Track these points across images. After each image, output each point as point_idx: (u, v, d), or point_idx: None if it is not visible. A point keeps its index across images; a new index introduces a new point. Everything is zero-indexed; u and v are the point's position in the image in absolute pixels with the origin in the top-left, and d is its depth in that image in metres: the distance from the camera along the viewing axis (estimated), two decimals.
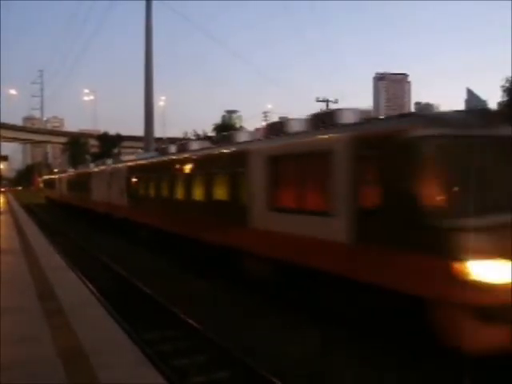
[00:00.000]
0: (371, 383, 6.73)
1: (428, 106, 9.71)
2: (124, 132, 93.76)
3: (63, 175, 47.47)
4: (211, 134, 64.66)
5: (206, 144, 17.67)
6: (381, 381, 6.74)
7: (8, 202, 46.93)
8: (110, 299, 10.26)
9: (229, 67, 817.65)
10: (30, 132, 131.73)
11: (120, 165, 25.62)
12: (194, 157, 16.35)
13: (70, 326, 6.70)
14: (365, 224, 8.28)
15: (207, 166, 14.74)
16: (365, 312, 8.32)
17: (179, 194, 16.64)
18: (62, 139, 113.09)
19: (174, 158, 18.30)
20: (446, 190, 7.46)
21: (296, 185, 10.39)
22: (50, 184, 59.15)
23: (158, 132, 65.24)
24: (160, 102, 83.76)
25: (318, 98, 45.75)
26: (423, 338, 7.12)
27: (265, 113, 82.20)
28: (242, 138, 14.23)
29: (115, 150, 76.97)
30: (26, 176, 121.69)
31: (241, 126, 72.32)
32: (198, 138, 65.92)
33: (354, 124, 9.62)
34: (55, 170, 73.11)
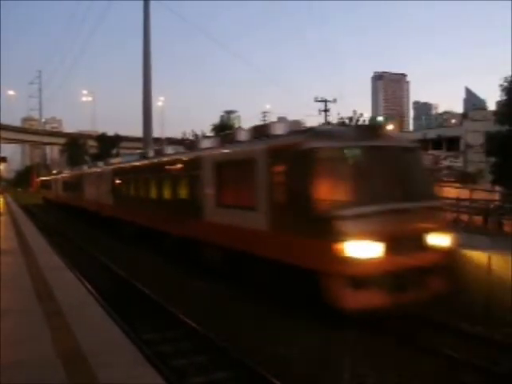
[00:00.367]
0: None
1: (324, 125, 12.25)
2: (123, 133, 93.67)
3: (58, 176, 49.31)
4: (210, 134, 64.67)
5: (179, 149, 19.23)
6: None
7: (7, 203, 46.88)
8: (108, 299, 10.39)
9: (228, 67, 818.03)
10: (28, 133, 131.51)
11: (106, 167, 28.21)
12: (164, 161, 18.76)
13: (69, 326, 6.72)
14: (277, 216, 10.70)
15: (173, 169, 17.18)
16: (283, 282, 10.60)
17: (152, 193, 19.25)
18: (61, 140, 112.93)
19: (147, 162, 21.12)
20: (330, 188, 9.61)
21: (233, 185, 13.15)
22: (46, 185, 61.60)
23: (157, 132, 65.21)
24: (158, 102, 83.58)
25: (316, 97, 45.86)
26: (320, 300, 9.37)
27: (263, 113, 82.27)
28: (204, 145, 16.35)
29: (114, 151, 76.91)
30: (24, 177, 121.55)
31: (239, 127, 72.39)
32: (197, 138, 65.97)
33: (271, 137, 12.00)
34: (54, 171, 73.19)
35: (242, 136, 13.92)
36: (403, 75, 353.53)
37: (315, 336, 8.86)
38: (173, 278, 13.95)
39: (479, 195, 25.24)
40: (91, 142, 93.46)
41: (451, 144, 69.75)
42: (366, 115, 70.15)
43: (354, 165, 9.96)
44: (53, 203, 50.92)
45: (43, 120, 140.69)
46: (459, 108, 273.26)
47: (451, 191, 30.18)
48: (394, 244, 9.15)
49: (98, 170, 29.93)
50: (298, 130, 11.81)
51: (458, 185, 40.03)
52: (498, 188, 32.43)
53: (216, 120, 72.42)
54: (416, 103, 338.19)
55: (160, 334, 8.91)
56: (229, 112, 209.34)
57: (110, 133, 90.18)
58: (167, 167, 17.94)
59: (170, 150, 20.25)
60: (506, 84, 32.13)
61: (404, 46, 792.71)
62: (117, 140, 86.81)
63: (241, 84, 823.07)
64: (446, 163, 63.23)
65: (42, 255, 13.23)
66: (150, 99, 39.30)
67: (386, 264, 9.09)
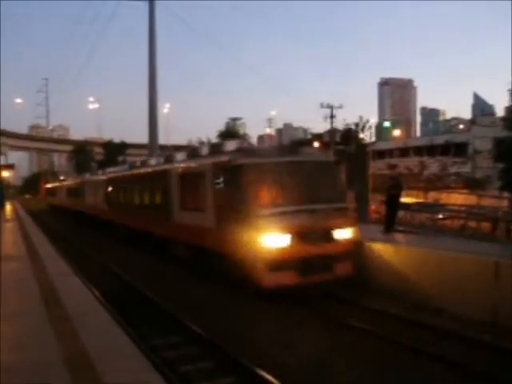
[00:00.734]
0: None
1: (250, 144, 16.97)
2: (129, 140, 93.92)
3: (62, 184, 53.96)
4: (216, 140, 64.80)
5: (161, 161, 21.89)
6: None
7: (15, 210, 47.07)
8: (115, 304, 10.44)
9: (234, 74, 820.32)
10: (35, 140, 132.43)
11: (101, 176, 31.68)
12: (144, 172, 22.31)
13: (75, 331, 6.69)
14: (219, 216, 13.50)
15: (151, 179, 20.64)
16: (225, 269, 13.07)
17: (136, 199, 22.40)
18: (68, 147, 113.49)
19: (132, 172, 24.76)
20: (254, 194, 12.41)
21: (191, 193, 15.97)
22: (51, 192, 65.37)
23: (163, 139, 65.40)
24: (164, 109, 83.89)
25: (322, 103, 45.89)
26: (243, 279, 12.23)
27: (269, 120, 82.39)
28: (176, 158, 19.19)
29: (120, 158, 77.08)
30: (32, 184, 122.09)
31: (244, 133, 72.50)
32: (202, 145, 66.06)
33: (218, 155, 14.87)
34: (61, 178, 73.52)
35: (203, 152, 16.91)
36: (410, 80, 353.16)
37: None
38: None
39: (487, 202, 25.14)
40: (98, 149, 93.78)
41: (459, 150, 69.59)
42: (373, 121, 70.20)
43: (272, 176, 12.88)
44: (57, 209, 53.93)
45: (50, 127, 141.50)
46: (467, 114, 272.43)
47: (459, 197, 30.12)
48: (303, 236, 11.97)
49: (96, 178, 33.47)
50: (235, 149, 14.72)
51: (465, 191, 39.90)
52: (506, 194, 32.28)
53: (222, 126, 72.63)
54: (423, 109, 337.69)
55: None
56: (234, 119, 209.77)
57: (117, 140, 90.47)
58: (146, 177, 21.41)
59: (152, 161, 23.29)
60: None
61: (411, 51, 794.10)
62: (123, 147, 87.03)
63: (247, 90, 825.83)
64: (453, 169, 63.10)
65: (49, 261, 13.24)
66: (155, 106, 39.41)
67: (295, 252, 11.85)
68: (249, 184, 12.56)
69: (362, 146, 48.78)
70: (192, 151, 18.56)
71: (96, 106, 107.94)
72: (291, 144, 17.94)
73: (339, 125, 50.79)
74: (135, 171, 24.09)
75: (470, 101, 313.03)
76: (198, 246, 14.76)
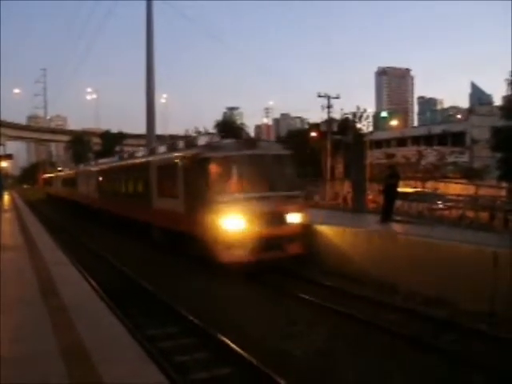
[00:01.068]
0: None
1: (214, 138, 18.79)
2: (127, 130, 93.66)
3: (58, 174, 56.61)
4: (212, 130, 64.60)
5: (146, 153, 23.96)
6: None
7: (13, 200, 47.01)
8: (111, 294, 10.58)
9: (231, 63, 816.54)
10: (33, 131, 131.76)
11: (92, 167, 33.65)
12: (128, 163, 24.32)
13: (72, 322, 6.69)
14: (188, 202, 15.61)
15: (134, 169, 22.53)
16: (193, 248, 15.21)
17: (122, 188, 24.33)
18: (66, 137, 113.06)
19: (118, 163, 26.64)
20: (217, 183, 14.43)
21: (166, 181, 18.01)
22: (49, 182, 68.40)
23: (161, 129, 65.15)
24: (162, 99, 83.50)
25: (319, 93, 45.71)
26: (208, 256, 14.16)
27: (266, 109, 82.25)
28: (158, 151, 21.06)
29: (117, 148, 76.89)
30: (30, 174, 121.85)
31: (241, 123, 72.27)
32: (199, 134, 65.90)
33: (189, 148, 17.17)
34: (59, 168, 73.48)
35: (180, 146, 18.69)
36: (407, 70, 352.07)
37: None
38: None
39: (485, 191, 25.08)
40: (95, 140, 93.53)
41: (457, 139, 69.49)
42: (370, 110, 70.03)
43: (232, 167, 14.99)
44: (54, 198, 56.13)
45: (48, 117, 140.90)
46: (465, 103, 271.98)
47: (456, 187, 30.07)
48: (257, 220, 13.90)
49: (87, 169, 35.33)
50: (204, 144, 16.66)
51: (463, 181, 39.87)
52: (504, 184, 32.24)
53: (219, 116, 72.43)
54: (421, 98, 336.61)
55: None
56: (231, 108, 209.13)
57: (114, 130, 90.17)
58: (131, 168, 23.25)
59: (139, 153, 25.45)
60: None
61: (408, 41, 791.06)
62: (120, 137, 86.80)
63: (244, 80, 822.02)
64: (451, 159, 62.99)
65: (47, 250, 13.26)
66: (153, 97, 39.18)
67: (249, 233, 13.74)
68: (212, 174, 14.66)
69: (359, 135, 48.75)
70: (171, 145, 20.41)
71: (94, 96, 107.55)
72: (251, 139, 19.63)
73: (337, 115, 50.66)
74: (122, 163, 26.13)
75: (468, 90, 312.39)
76: (173, 230, 16.73)
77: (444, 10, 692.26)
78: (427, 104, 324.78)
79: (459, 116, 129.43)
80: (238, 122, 74.75)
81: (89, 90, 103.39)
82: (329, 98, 45.31)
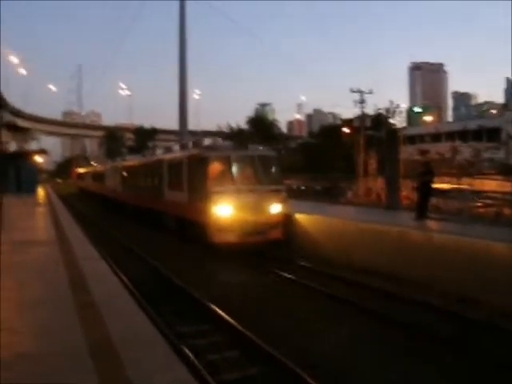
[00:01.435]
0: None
1: (215, 141, 26.50)
2: (159, 125, 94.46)
3: (89, 169, 61.87)
4: (244, 126, 64.55)
5: (161, 152, 27.66)
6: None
7: (47, 194, 47.79)
8: (142, 290, 10.97)
9: (263, 58, 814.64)
10: (68, 126, 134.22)
11: (118, 164, 37.35)
12: (146, 161, 28.92)
13: (101, 318, 6.62)
14: (191, 193, 18.95)
15: (151, 166, 26.46)
16: (195, 231, 18.50)
17: (140, 183, 28.12)
18: (100, 133, 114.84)
19: (139, 160, 31.10)
20: (212, 178, 17.61)
21: (175, 176, 21.33)
22: (80, 176, 72.80)
23: (193, 125, 65.38)
24: (194, 95, 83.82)
25: (352, 88, 45.15)
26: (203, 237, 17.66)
27: (299, 105, 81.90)
28: (173, 150, 25.25)
29: (150, 144, 77.55)
30: (64, 168, 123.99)
31: (273, 119, 72.05)
32: (232, 131, 65.98)
33: (191, 149, 21.11)
34: (92, 163, 74.59)
35: (189, 146, 22.15)
36: (441, 65, 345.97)
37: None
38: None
39: None
40: (129, 135, 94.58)
41: (492, 135, 67.76)
42: (404, 106, 68.95)
43: (225, 165, 18.03)
44: (85, 192, 60.19)
45: (83, 113, 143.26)
46: (500, 98, 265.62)
47: (492, 184, 29.29)
48: (243, 208, 16.99)
49: (114, 165, 38.86)
50: (205, 146, 20.93)
51: (499, 177, 38.81)
52: None
53: (251, 112, 72.33)
54: (455, 93, 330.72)
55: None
56: (263, 104, 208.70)
57: (147, 125, 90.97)
58: (148, 165, 27.24)
59: (158, 151, 28.94)
60: None
61: (442, 35, 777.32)
62: (153, 133, 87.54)
63: (276, 75, 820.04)
64: (487, 155, 61.46)
65: (78, 245, 13.29)
66: (186, 93, 39.44)
67: (236, 219, 16.88)
68: (208, 170, 17.83)
69: (392, 131, 47.97)
70: (182, 145, 24.52)
71: (127, 92, 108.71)
72: (243, 142, 23.19)
73: (370, 110, 50.00)
74: (140, 160, 30.49)
75: (503, 85, 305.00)
76: (180, 217, 20.29)
77: (478, 5, 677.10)
78: (461, 99, 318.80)
79: (494, 111, 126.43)
80: (270, 117, 74.57)
81: (122, 85, 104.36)
82: (362, 93, 44.72)
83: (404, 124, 58.20)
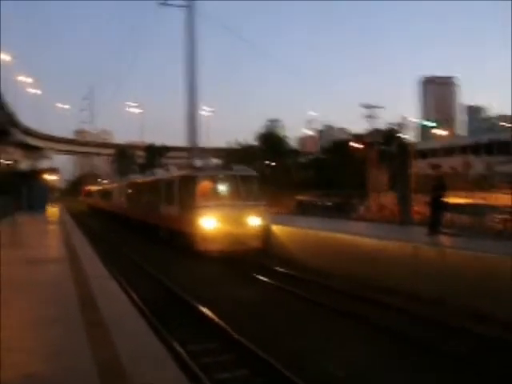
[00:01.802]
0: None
1: (208, 162, 30.64)
2: (171, 142, 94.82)
3: (97, 187, 65.29)
4: (253, 143, 64.67)
5: (162, 172, 30.91)
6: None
7: (59, 212, 48.04)
8: (151, 308, 10.96)
9: (272, 74, 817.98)
10: (80, 145, 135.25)
11: (123, 182, 41.10)
12: (144, 180, 32.42)
13: (110, 337, 6.51)
14: (182, 207, 21.45)
15: (149, 185, 29.74)
16: (184, 241, 20.89)
17: (141, 199, 31.40)
18: (111, 151, 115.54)
19: (139, 180, 34.62)
20: (200, 194, 20.19)
21: (169, 193, 24.08)
22: (90, 194, 75.59)
23: (203, 142, 65.58)
24: (204, 112, 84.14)
25: (362, 103, 45.18)
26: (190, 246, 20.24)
27: (309, 121, 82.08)
28: (172, 171, 27.72)
29: (161, 161, 77.82)
30: (75, 186, 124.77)
31: (283, 135, 72.10)
32: (242, 147, 66.12)
33: (186, 170, 24.74)
34: (103, 181, 74.98)
35: (184, 167, 26.62)
36: (452, 78, 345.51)
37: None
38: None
39: None
40: (140, 153, 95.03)
41: (504, 148, 67.15)
42: (414, 120, 68.66)
43: (211, 183, 20.92)
44: (93, 209, 63.11)
45: (94, 132, 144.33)
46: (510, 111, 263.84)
47: (505, 198, 28.96)
48: (225, 221, 19.41)
49: (120, 183, 42.69)
50: (195, 167, 24.63)
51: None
52: None
53: (260, 128, 72.40)
54: (466, 107, 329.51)
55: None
56: (273, 121, 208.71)
57: (158, 143, 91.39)
58: (147, 183, 30.52)
59: (158, 172, 31.63)
60: None
61: (453, 48, 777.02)
62: (164, 150, 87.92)
63: (285, 91, 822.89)
64: (499, 169, 60.85)
65: (88, 263, 13.24)
66: (195, 109, 39.34)
67: (220, 230, 19.27)
68: (196, 188, 20.44)
69: (403, 145, 47.80)
70: (179, 167, 29.77)
71: (138, 110, 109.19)
72: (226, 164, 26.74)
73: (381, 125, 49.93)
74: (141, 179, 34.21)
75: None
76: (172, 229, 22.75)
77: (490, 17, 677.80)
78: (473, 112, 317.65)
79: (505, 124, 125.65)
80: (280, 134, 74.61)
81: (133, 104, 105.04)
82: (372, 108, 44.74)
83: (415, 138, 57.91)
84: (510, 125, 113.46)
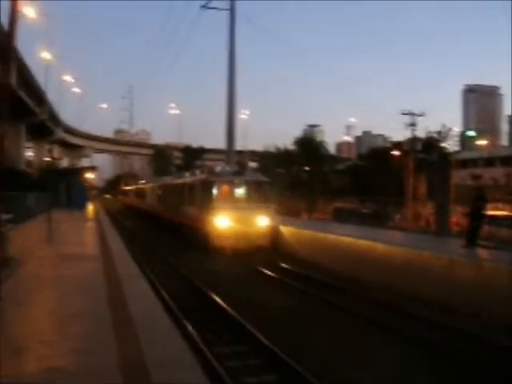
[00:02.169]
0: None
1: (223, 167, 30.67)
2: (208, 144, 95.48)
3: (132, 187, 67.63)
4: (292, 147, 64.47)
5: (188, 174, 33.21)
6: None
7: (95, 210, 48.86)
8: (180, 307, 10.97)
9: (312, 80, 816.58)
10: (119, 144, 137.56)
11: (155, 183, 43.60)
12: (171, 182, 35.26)
13: (137, 337, 6.51)
14: (201, 208, 23.32)
15: (175, 186, 32.02)
16: (203, 237, 22.89)
17: (168, 200, 33.57)
18: (149, 151, 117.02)
19: (167, 181, 38.14)
20: (216, 197, 22.72)
21: (191, 195, 26.21)
22: (124, 193, 78.98)
23: (240, 145, 65.76)
24: (243, 115, 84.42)
25: (403, 110, 44.51)
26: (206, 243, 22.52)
27: (348, 127, 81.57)
28: (192, 174, 31.09)
29: (198, 163, 78.32)
30: (113, 185, 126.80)
31: (321, 141, 71.68)
32: (280, 151, 66.01)
33: (204, 174, 26.36)
34: (141, 181, 76.03)
35: (204, 171, 27.91)
36: (496, 88, 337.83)
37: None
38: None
39: None
40: (177, 154, 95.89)
41: None
42: (456, 129, 67.38)
43: (226, 187, 22.92)
44: (128, 207, 65.87)
45: (134, 132, 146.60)
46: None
47: None
48: (237, 220, 21.71)
49: (152, 184, 44.92)
50: (214, 172, 26.02)
51: None
52: None
53: (299, 132, 72.23)
54: (510, 117, 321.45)
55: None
56: (312, 126, 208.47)
57: (196, 144, 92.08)
58: (173, 185, 33.19)
59: (185, 175, 34.01)
60: None
61: (497, 57, 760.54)
62: (201, 152, 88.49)
63: (326, 97, 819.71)
64: None
65: (121, 261, 13.37)
66: (234, 113, 39.52)
67: (232, 229, 21.59)
68: (213, 191, 22.70)
69: (443, 155, 46.81)
70: (201, 170, 30.19)
71: (177, 111, 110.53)
72: (241, 170, 26.74)
73: (421, 133, 49.04)
74: (170, 181, 37.36)
75: None
76: (193, 227, 24.62)
77: None
78: None
79: None
80: (318, 139, 74.22)
81: (172, 105, 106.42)
82: (413, 115, 44.00)
83: (456, 148, 56.72)
84: None
